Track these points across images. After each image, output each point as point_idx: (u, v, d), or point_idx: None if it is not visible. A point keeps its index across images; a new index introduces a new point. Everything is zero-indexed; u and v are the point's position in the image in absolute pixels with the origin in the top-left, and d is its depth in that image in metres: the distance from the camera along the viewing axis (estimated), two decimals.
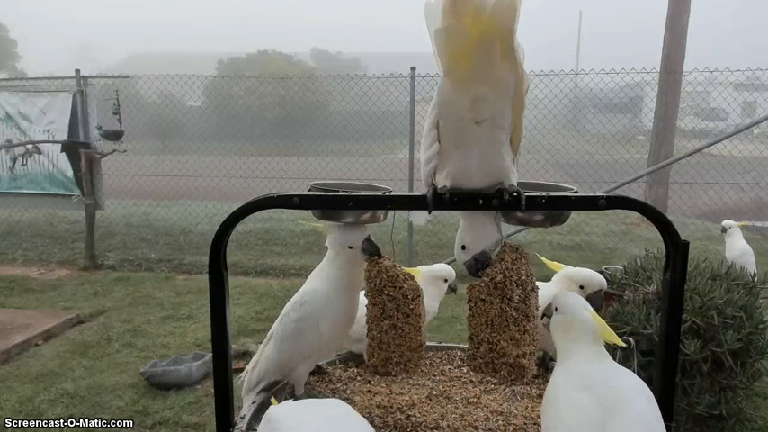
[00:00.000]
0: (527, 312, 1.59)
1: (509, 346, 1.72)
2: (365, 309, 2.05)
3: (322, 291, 1.86)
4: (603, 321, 1.41)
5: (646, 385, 1.33)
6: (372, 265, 1.83)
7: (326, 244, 1.90)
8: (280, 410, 1.36)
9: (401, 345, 1.85)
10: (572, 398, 1.26)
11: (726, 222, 5.07)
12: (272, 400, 1.56)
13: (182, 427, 3.49)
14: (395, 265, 1.85)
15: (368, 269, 1.86)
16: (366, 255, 1.82)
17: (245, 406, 1.84)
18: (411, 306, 1.82)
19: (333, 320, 1.86)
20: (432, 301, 2.17)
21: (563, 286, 1.96)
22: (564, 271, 2.01)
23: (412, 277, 1.86)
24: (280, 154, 12.59)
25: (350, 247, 1.82)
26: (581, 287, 1.94)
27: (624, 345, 1.49)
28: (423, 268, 2.24)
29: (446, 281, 2.25)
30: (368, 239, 1.81)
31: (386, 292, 1.82)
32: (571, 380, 1.31)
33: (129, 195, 9.85)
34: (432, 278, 2.22)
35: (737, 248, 4.82)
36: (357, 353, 2.25)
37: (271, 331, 1.96)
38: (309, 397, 1.91)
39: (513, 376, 1.88)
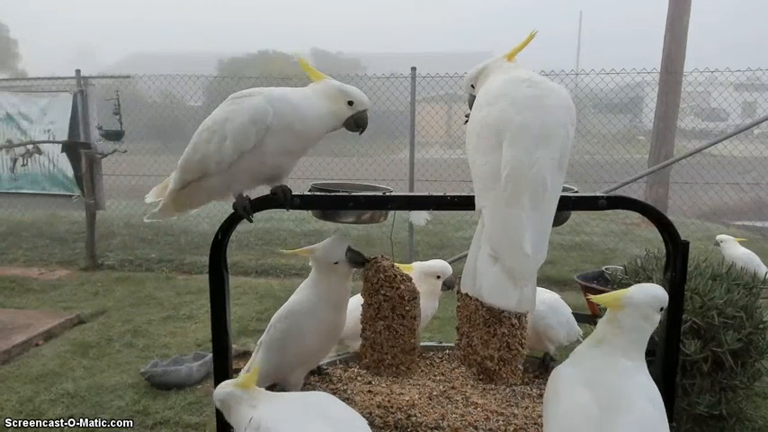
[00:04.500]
0: (499, 317, 1.59)
1: (479, 345, 1.73)
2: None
3: (308, 304, 1.87)
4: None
5: (655, 389, 1.31)
6: (371, 265, 1.83)
7: (310, 264, 1.90)
8: (265, 414, 1.35)
9: (394, 347, 1.85)
10: (572, 392, 1.26)
11: (719, 237, 4.89)
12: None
13: (182, 428, 3.49)
14: (393, 266, 1.85)
15: (366, 269, 1.86)
16: (353, 264, 1.82)
17: None
18: (407, 308, 1.82)
19: (318, 332, 1.88)
20: (427, 299, 2.14)
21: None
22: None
23: (410, 279, 1.86)
24: None
25: (335, 263, 1.83)
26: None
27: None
28: (416, 264, 2.23)
29: (439, 277, 2.23)
30: (350, 249, 1.81)
31: (382, 292, 1.82)
32: (575, 374, 1.30)
33: (130, 195, 9.83)
34: (424, 275, 2.20)
35: (739, 256, 4.64)
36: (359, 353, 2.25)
37: (260, 341, 1.97)
38: None
39: (481, 375, 1.89)
